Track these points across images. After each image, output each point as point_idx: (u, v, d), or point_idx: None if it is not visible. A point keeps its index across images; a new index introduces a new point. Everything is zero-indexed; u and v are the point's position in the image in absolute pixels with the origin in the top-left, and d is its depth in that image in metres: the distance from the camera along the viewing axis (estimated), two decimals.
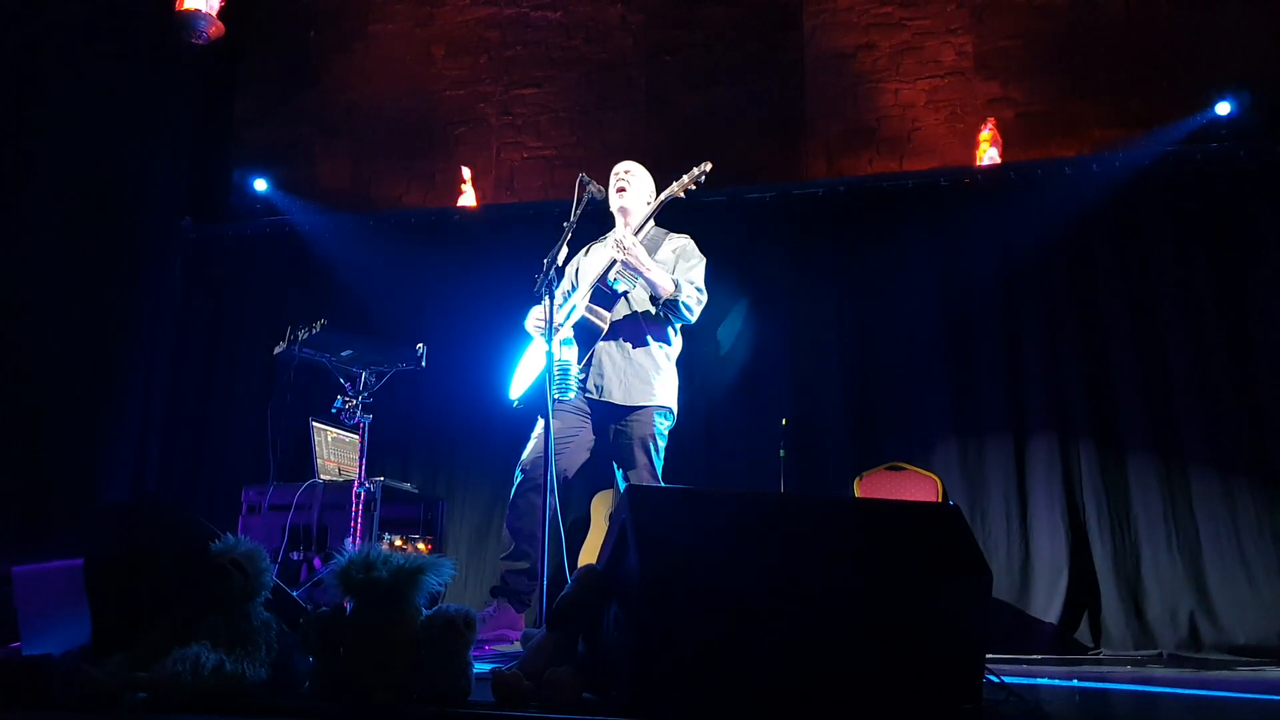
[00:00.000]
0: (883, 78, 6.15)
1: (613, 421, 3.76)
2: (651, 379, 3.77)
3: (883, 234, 5.77)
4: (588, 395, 3.76)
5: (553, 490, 3.11)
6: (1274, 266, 5.14)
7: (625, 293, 3.78)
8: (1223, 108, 5.37)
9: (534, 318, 3.85)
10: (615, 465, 3.81)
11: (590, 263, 4.02)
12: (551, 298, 3.33)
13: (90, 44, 5.69)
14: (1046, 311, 5.40)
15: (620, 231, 3.84)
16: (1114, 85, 5.76)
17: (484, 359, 5.85)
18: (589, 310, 3.74)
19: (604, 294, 3.76)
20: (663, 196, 3.77)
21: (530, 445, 3.81)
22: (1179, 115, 5.45)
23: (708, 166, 3.71)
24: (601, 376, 3.74)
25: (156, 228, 6.29)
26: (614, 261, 3.71)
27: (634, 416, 3.73)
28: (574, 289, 4.03)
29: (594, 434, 3.82)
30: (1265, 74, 5.43)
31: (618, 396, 3.72)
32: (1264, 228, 5.20)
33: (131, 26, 5.93)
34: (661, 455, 3.78)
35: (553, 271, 3.35)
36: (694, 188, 3.75)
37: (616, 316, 3.78)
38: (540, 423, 3.74)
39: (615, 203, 3.95)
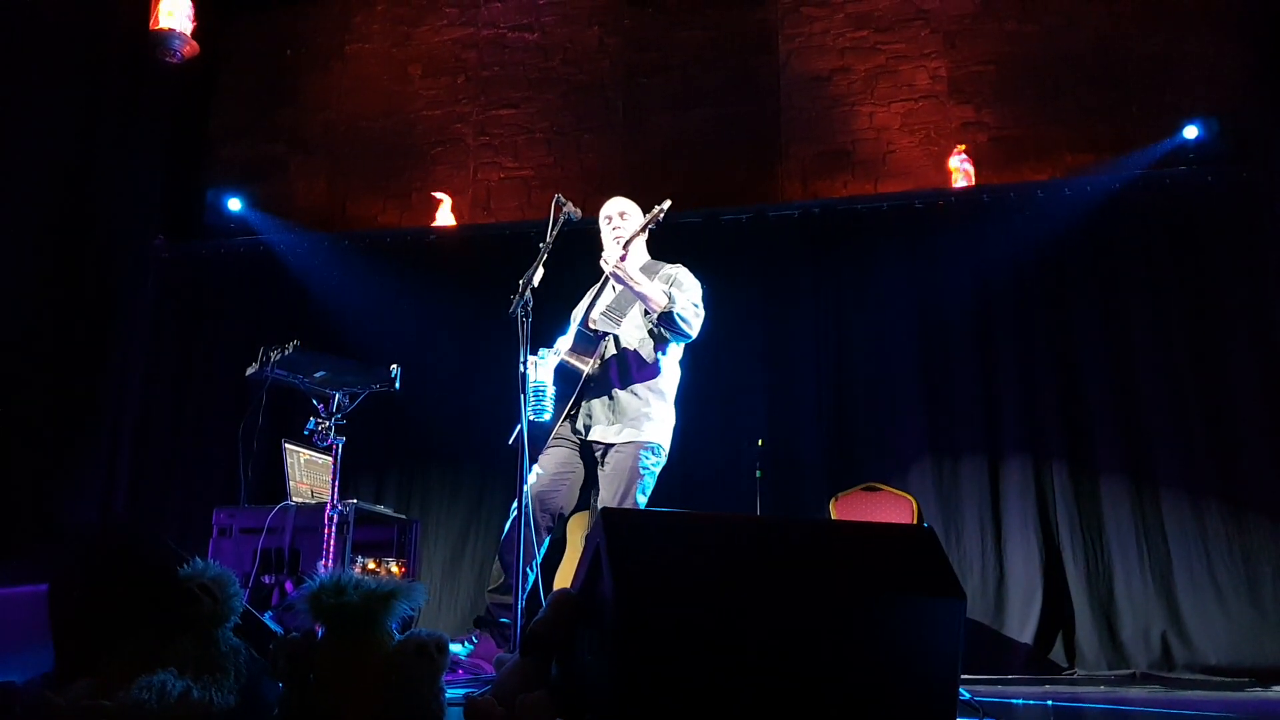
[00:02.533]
0: (857, 101, 6.21)
1: (600, 456, 3.76)
2: (640, 416, 3.74)
3: (858, 256, 5.81)
4: (578, 433, 3.76)
5: (527, 518, 3.09)
6: (1241, 288, 5.21)
7: (606, 334, 3.76)
8: (1190, 132, 5.46)
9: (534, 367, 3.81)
10: (598, 491, 3.79)
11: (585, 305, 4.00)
12: (528, 318, 3.31)
13: (63, 61, 5.65)
14: (1020, 333, 5.45)
15: (610, 249, 3.81)
16: (1085, 110, 5.84)
17: (459, 380, 5.85)
18: (569, 354, 3.74)
19: (586, 337, 3.74)
20: (632, 237, 3.75)
21: (529, 479, 3.77)
22: (1148, 140, 5.55)
23: (666, 204, 3.66)
24: (590, 416, 3.74)
25: (129, 245, 6.23)
26: (592, 305, 3.71)
27: (619, 450, 3.71)
28: None
29: (586, 471, 3.81)
30: (1232, 100, 5.52)
31: (604, 434, 3.72)
32: (1231, 251, 5.28)
33: (105, 45, 5.89)
34: (647, 493, 3.73)
35: (528, 293, 3.33)
36: (653, 227, 3.76)
37: (606, 354, 3.77)
38: (543, 457, 3.73)
39: (610, 250, 3.92)
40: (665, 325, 3.71)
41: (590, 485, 3.82)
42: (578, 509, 4.98)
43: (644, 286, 3.67)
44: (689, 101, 6.41)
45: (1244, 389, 5.08)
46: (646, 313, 3.75)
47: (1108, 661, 4.86)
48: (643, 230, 3.77)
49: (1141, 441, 5.15)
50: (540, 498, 3.64)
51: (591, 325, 3.74)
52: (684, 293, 3.78)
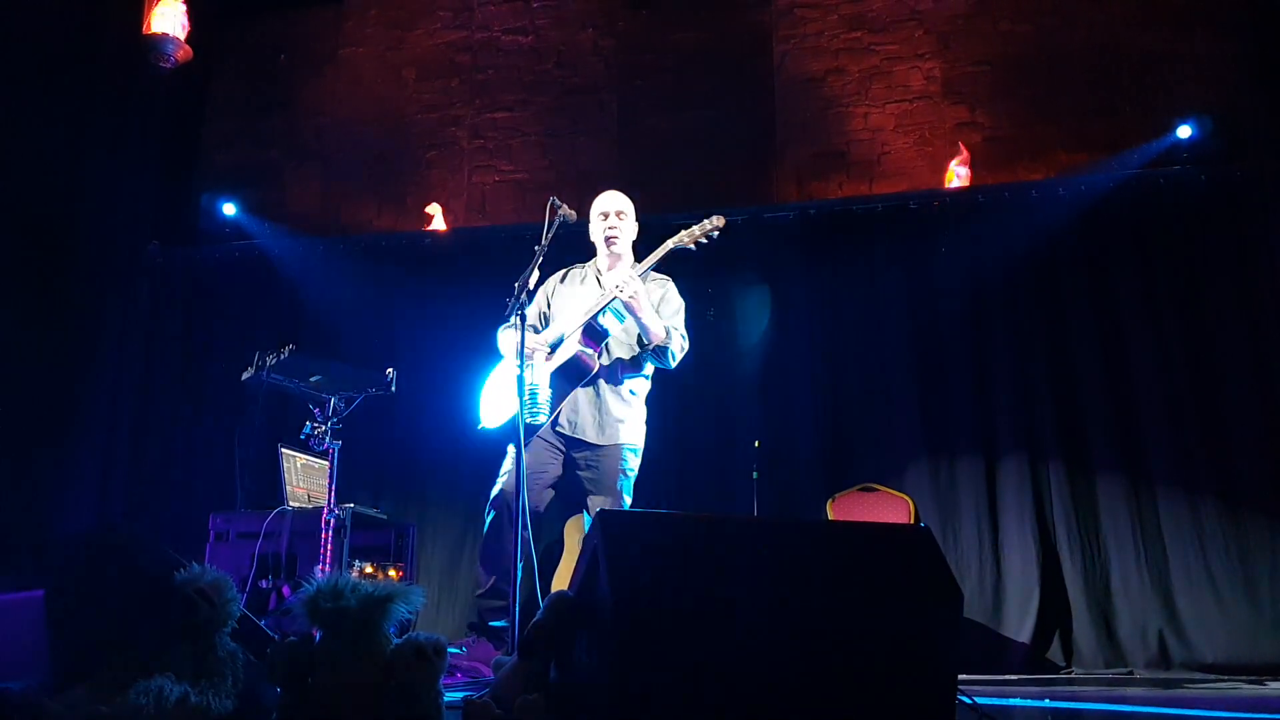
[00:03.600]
0: (852, 102, 6.21)
1: (584, 456, 3.77)
2: (624, 419, 3.79)
3: (853, 257, 5.81)
4: (560, 431, 3.75)
5: (525, 521, 3.09)
6: (1235, 287, 5.22)
7: (608, 332, 3.76)
8: (1184, 132, 5.46)
9: (511, 341, 3.77)
10: (588, 494, 3.80)
11: (573, 293, 3.96)
12: (523, 321, 3.31)
13: (56, 66, 5.65)
14: (1015, 333, 5.45)
15: (624, 271, 3.74)
16: (1079, 110, 5.85)
17: (455, 384, 5.81)
18: (582, 347, 3.70)
19: (595, 331, 3.72)
20: (669, 245, 3.72)
21: (500, 481, 3.78)
22: (1142, 140, 5.55)
23: (720, 221, 3.69)
24: (576, 414, 3.75)
25: (123, 251, 6.22)
26: (610, 299, 3.65)
27: (604, 453, 3.76)
28: (547, 317, 3.99)
29: (563, 468, 3.82)
30: (1225, 99, 5.53)
31: (591, 435, 3.73)
32: (1224, 249, 5.29)
33: (98, 50, 5.89)
34: (630, 493, 3.80)
35: (524, 295, 3.33)
36: (704, 241, 3.71)
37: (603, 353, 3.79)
38: (509, 457, 3.74)
39: (605, 249, 3.93)
40: (657, 356, 3.78)
41: (569, 481, 3.83)
42: (574, 511, 4.98)
43: (648, 317, 3.66)
44: (684, 103, 6.41)
45: (1239, 388, 5.08)
46: (643, 342, 3.77)
47: (1105, 660, 4.86)
48: (691, 242, 3.70)
49: (1137, 440, 5.15)
50: (512, 492, 3.63)
51: (600, 322, 3.71)
52: (672, 320, 3.82)
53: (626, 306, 3.61)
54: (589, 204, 4.05)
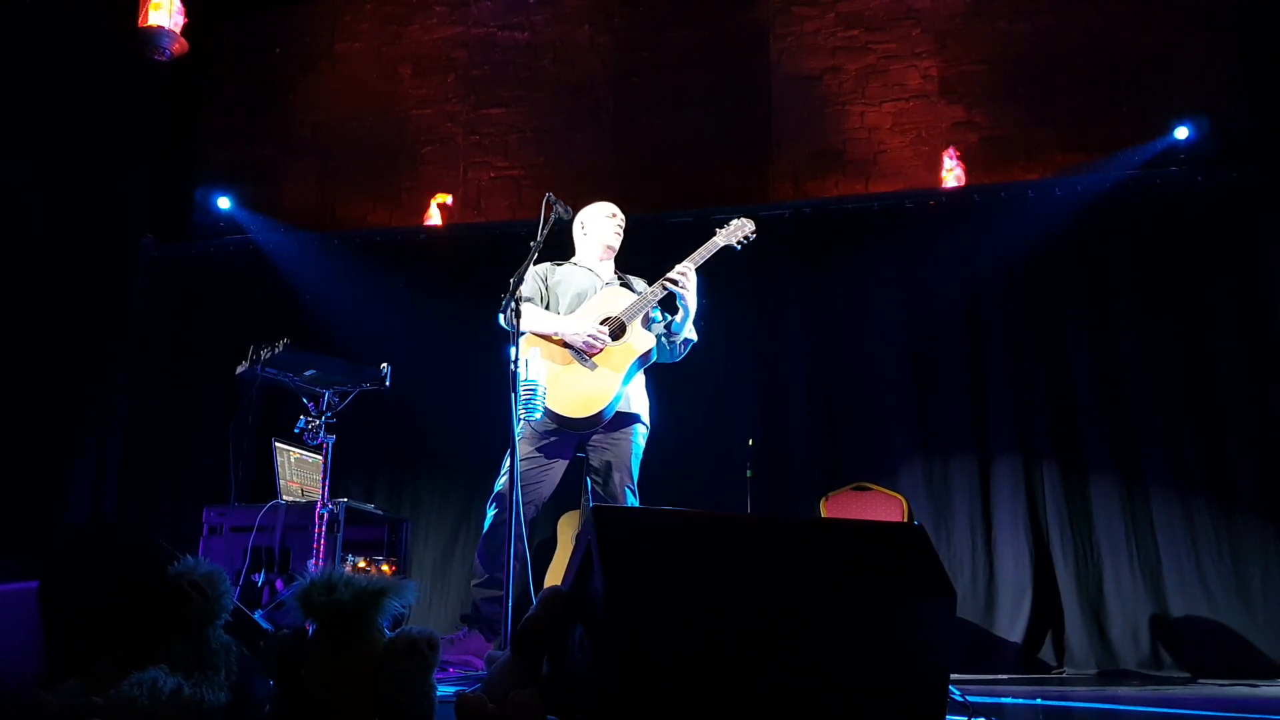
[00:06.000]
0: (849, 101, 6.22)
1: (613, 430, 3.79)
2: (645, 399, 3.91)
3: (849, 256, 5.82)
4: (576, 416, 3.74)
5: (519, 515, 3.10)
6: (1230, 288, 5.23)
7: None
8: (1181, 133, 5.47)
9: (541, 319, 3.78)
10: (600, 472, 3.79)
11: (571, 283, 3.99)
12: (518, 318, 3.31)
13: (50, 58, 5.63)
14: (1010, 333, 5.46)
15: (686, 264, 3.89)
16: (1076, 110, 5.86)
17: (449, 380, 5.84)
18: (650, 334, 3.85)
19: (649, 319, 3.89)
20: (719, 244, 3.93)
21: (505, 478, 3.77)
22: (1139, 140, 5.56)
23: (753, 226, 3.97)
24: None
25: (118, 246, 6.21)
26: (664, 293, 3.81)
27: (628, 429, 3.82)
28: (545, 298, 4.00)
29: (574, 451, 3.84)
30: (1222, 100, 5.55)
31: (621, 405, 3.77)
32: (1220, 250, 5.30)
33: (93, 42, 5.87)
34: (638, 472, 3.89)
35: (519, 292, 3.34)
36: (745, 242, 3.97)
37: None
38: (524, 443, 3.74)
39: (610, 246, 4.06)
40: (683, 347, 3.91)
41: (574, 476, 3.84)
42: (569, 508, 4.98)
43: (695, 309, 3.83)
44: (680, 101, 6.41)
45: (1233, 389, 5.10)
46: (674, 332, 3.88)
47: (1097, 660, 4.87)
48: (735, 243, 3.94)
49: (1131, 441, 5.16)
50: (521, 485, 3.63)
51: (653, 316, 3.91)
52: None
53: (681, 298, 3.79)
54: (585, 201, 4.12)
